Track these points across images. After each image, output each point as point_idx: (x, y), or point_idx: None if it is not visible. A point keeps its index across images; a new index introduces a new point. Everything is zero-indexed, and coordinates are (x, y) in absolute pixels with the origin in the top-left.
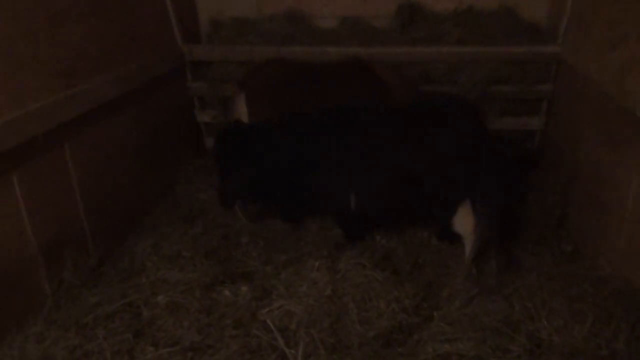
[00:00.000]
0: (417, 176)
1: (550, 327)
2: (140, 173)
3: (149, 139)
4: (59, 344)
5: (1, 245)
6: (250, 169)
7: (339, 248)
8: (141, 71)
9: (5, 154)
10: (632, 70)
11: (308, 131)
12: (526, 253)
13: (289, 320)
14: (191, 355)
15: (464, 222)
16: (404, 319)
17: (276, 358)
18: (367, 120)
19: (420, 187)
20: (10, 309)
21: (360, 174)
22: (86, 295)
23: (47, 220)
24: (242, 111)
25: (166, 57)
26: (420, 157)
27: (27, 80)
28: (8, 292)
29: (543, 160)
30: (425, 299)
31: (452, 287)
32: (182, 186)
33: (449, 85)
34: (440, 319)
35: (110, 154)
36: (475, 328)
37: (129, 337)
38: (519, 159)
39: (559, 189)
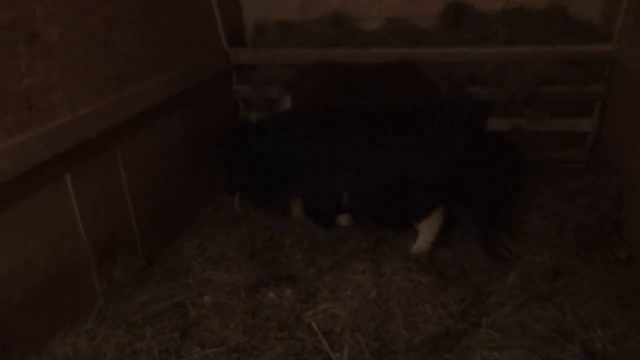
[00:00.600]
0: (404, 177)
1: (605, 337)
2: (187, 174)
3: (195, 141)
4: (109, 341)
5: (55, 244)
6: (249, 164)
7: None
8: (188, 75)
9: (59, 156)
10: None
11: (304, 130)
12: (578, 259)
13: (333, 324)
14: (237, 356)
15: (432, 222)
16: (451, 325)
17: None
18: (362, 120)
19: (406, 187)
20: (63, 306)
21: (351, 171)
22: (135, 294)
23: (99, 221)
24: None
25: (212, 61)
26: (407, 159)
27: (81, 84)
28: (61, 290)
29: (596, 164)
30: (472, 305)
31: (499, 294)
32: None
33: (496, 86)
34: (489, 326)
35: (159, 156)
36: (526, 336)
37: (176, 336)
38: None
39: (613, 193)
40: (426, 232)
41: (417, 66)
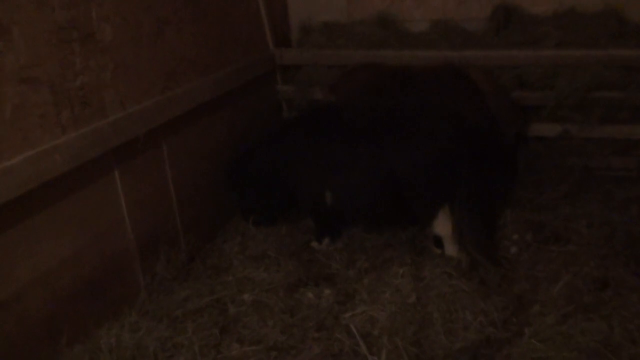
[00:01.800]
0: (396, 178)
1: None
2: None
3: (238, 140)
4: (151, 334)
5: (103, 237)
6: (254, 187)
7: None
8: (235, 74)
9: (109, 152)
10: None
11: (293, 135)
12: (627, 272)
13: (371, 327)
14: (275, 355)
15: (443, 224)
16: (492, 333)
17: None
18: (350, 120)
19: (399, 189)
20: (109, 298)
21: (337, 171)
22: (177, 289)
23: (144, 216)
24: None
25: (258, 61)
26: (400, 160)
27: (131, 83)
28: (107, 282)
29: None
30: (514, 314)
31: (543, 303)
32: None
33: (546, 90)
34: (532, 336)
35: (204, 154)
36: (571, 348)
37: (216, 332)
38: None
39: None
40: (443, 234)
41: (462, 69)
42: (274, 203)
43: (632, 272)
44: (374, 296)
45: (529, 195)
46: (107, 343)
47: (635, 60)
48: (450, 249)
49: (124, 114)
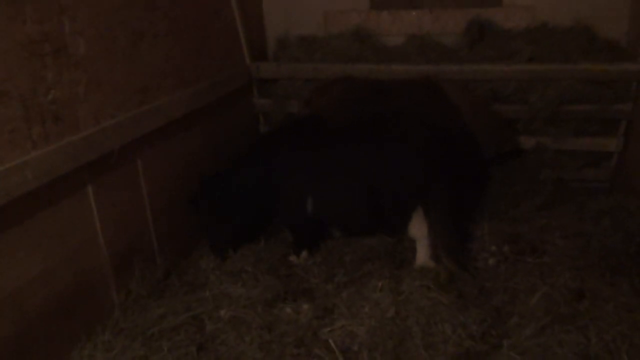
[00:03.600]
0: (374, 184)
1: None
2: None
3: (215, 154)
4: (125, 354)
5: (76, 254)
6: (231, 207)
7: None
8: (211, 88)
9: (82, 167)
10: None
11: (273, 146)
12: (603, 283)
13: (350, 341)
14: None
15: (418, 227)
16: (471, 346)
17: None
18: (328, 130)
19: (375, 196)
20: (81, 317)
21: (317, 180)
22: (152, 307)
23: (118, 232)
24: None
25: (235, 75)
26: (376, 165)
27: (106, 97)
28: (80, 301)
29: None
30: (493, 326)
31: (521, 315)
32: None
33: (519, 104)
34: (510, 348)
35: (180, 168)
36: None
37: (192, 350)
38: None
39: (638, 215)
40: (418, 237)
41: (438, 83)
42: (251, 223)
43: (608, 282)
44: (353, 310)
45: (505, 207)
46: None
47: (605, 74)
48: (423, 254)
49: (97, 129)
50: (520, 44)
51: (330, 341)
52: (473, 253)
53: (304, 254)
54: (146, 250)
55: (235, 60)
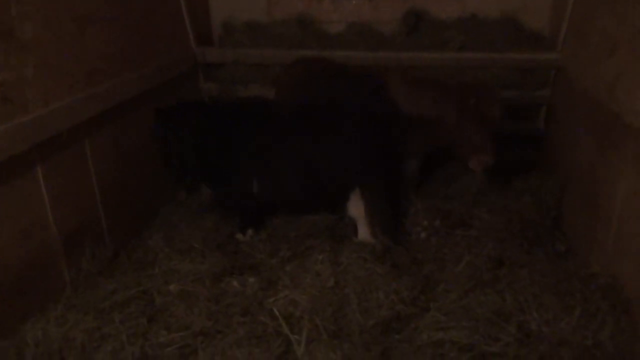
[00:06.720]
0: (315, 167)
1: (540, 319)
2: (155, 169)
3: None
4: (78, 326)
5: (26, 234)
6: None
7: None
8: (157, 72)
9: (32, 148)
10: (622, 79)
11: (229, 116)
12: (521, 252)
13: (293, 309)
14: (201, 339)
15: (356, 207)
16: (402, 310)
17: (281, 343)
18: (278, 113)
19: (316, 179)
20: (34, 294)
21: (262, 164)
22: (103, 283)
23: (68, 212)
24: None
25: (180, 59)
26: (316, 153)
27: (54, 80)
28: (31, 279)
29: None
30: (422, 292)
31: (448, 282)
32: None
33: None
34: (436, 310)
35: (127, 150)
36: (469, 318)
37: (143, 321)
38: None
39: (555, 191)
40: (356, 216)
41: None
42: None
43: (525, 251)
44: (295, 282)
45: (439, 187)
46: (33, 337)
47: (527, 63)
48: (363, 231)
49: (46, 111)
50: (452, 33)
51: (275, 309)
52: (408, 228)
53: (250, 231)
54: (96, 229)
55: (182, 45)
